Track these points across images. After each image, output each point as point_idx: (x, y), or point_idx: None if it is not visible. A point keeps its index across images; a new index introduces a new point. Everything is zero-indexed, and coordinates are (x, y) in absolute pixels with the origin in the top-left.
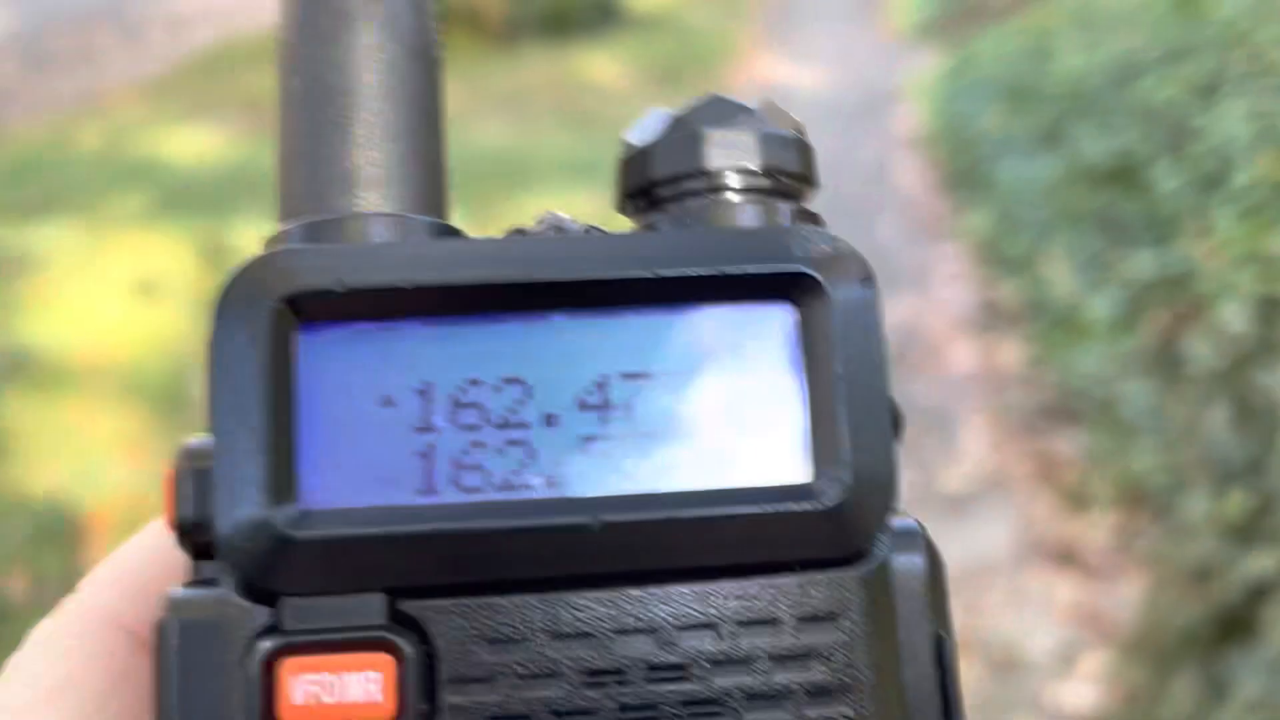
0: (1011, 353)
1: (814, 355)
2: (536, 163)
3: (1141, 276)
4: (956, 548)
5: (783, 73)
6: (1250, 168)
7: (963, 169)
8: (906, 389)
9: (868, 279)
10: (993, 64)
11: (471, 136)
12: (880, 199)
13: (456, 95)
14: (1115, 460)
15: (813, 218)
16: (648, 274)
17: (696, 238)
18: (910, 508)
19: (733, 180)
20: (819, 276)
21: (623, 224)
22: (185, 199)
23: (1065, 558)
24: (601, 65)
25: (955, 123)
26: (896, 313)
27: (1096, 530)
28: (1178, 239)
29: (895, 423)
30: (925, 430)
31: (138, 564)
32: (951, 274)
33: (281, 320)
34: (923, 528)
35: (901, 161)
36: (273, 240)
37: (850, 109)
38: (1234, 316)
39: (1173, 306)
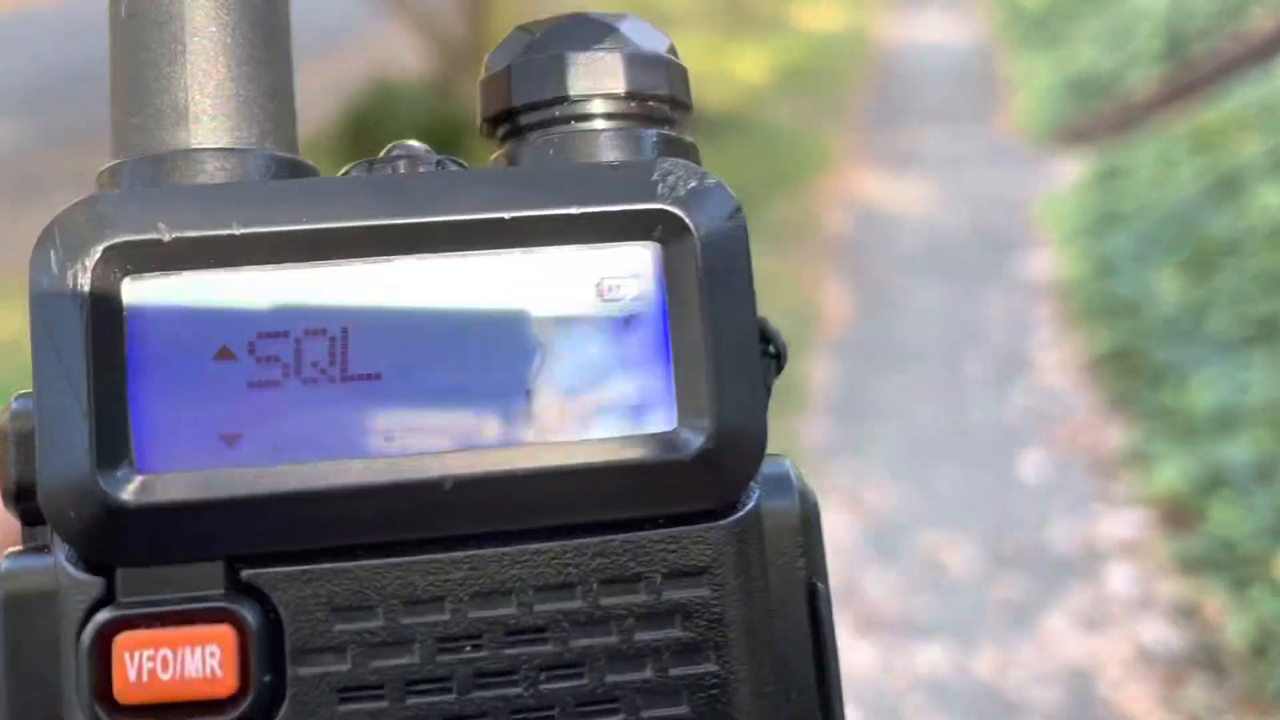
0: None
1: (678, 296)
2: None
3: None
4: None
5: (885, 192)
6: None
7: (1129, 353)
8: None
9: (735, 212)
10: (1154, 189)
11: None
12: (1016, 406)
13: None
14: None
15: (684, 146)
16: (500, 215)
17: (554, 176)
18: None
19: (597, 106)
20: (681, 214)
21: (487, 148)
22: None
23: None
24: None
25: (1109, 271)
26: (1051, 654)
27: None
28: None
29: (778, 355)
30: None
31: None
32: (1133, 577)
33: (106, 272)
34: (796, 470)
35: (1039, 332)
36: (102, 176)
37: (967, 243)
38: None
39: None
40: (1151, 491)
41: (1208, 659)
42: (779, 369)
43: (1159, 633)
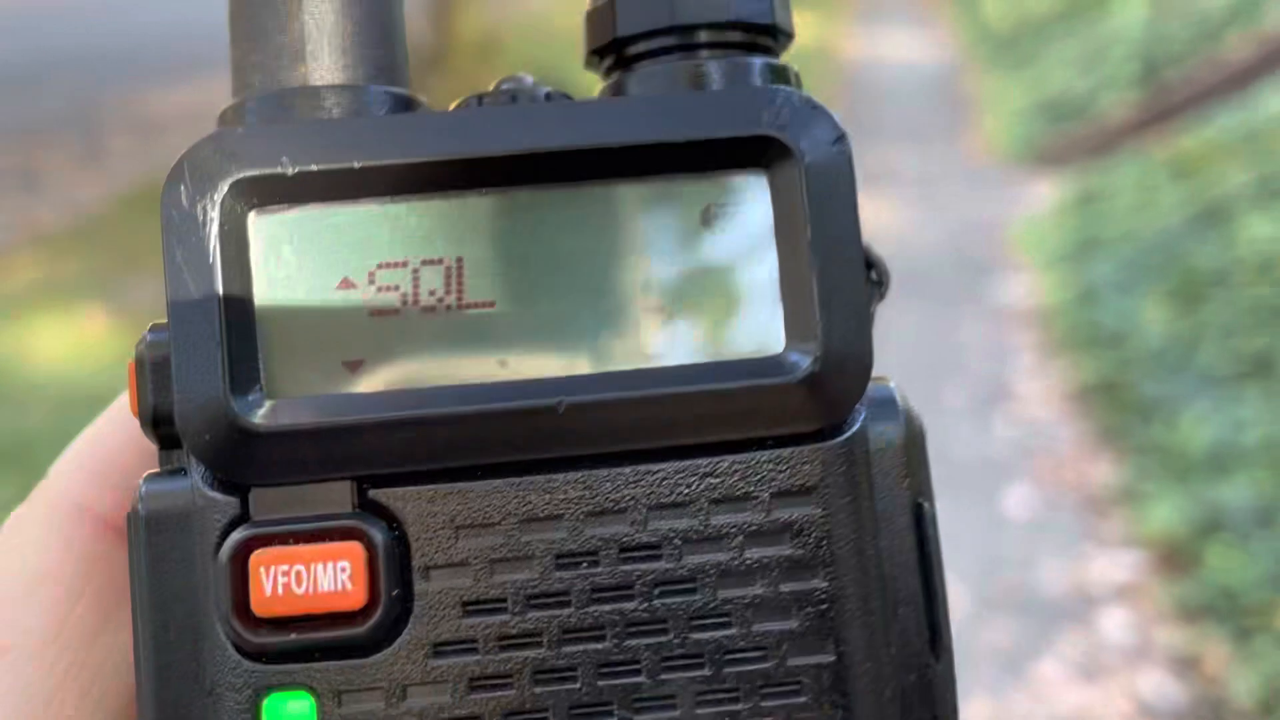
0: None
1: (785, 223)
2: None
3: None
4: None
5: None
6: None
7: (1115, 385)
8: None
9: (840, 139)
10: (1136, 215)
11: None
12: (999, 438)
13: None
14: None
15: (787, 73)
16: (610, 143)
17: (661, 103)
18: None
19: (702, 35)
20: (787, 141)
21: (593, 82)
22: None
23: None
24: None
25: (1092, 299)
26: (1046, 706)
27: None
28: None
29: (880, 282)
30: None
31: (105, 448)
32: (1129, 624)
33: (233, 205)
34: (901, 393)
35: (1020, 361)
36: (225, 115)
37: (942, 267)
38: None
39: None
40: (1145, 532)
41: (1212, 715)
42: (882, 295)
43: (1159, 685)
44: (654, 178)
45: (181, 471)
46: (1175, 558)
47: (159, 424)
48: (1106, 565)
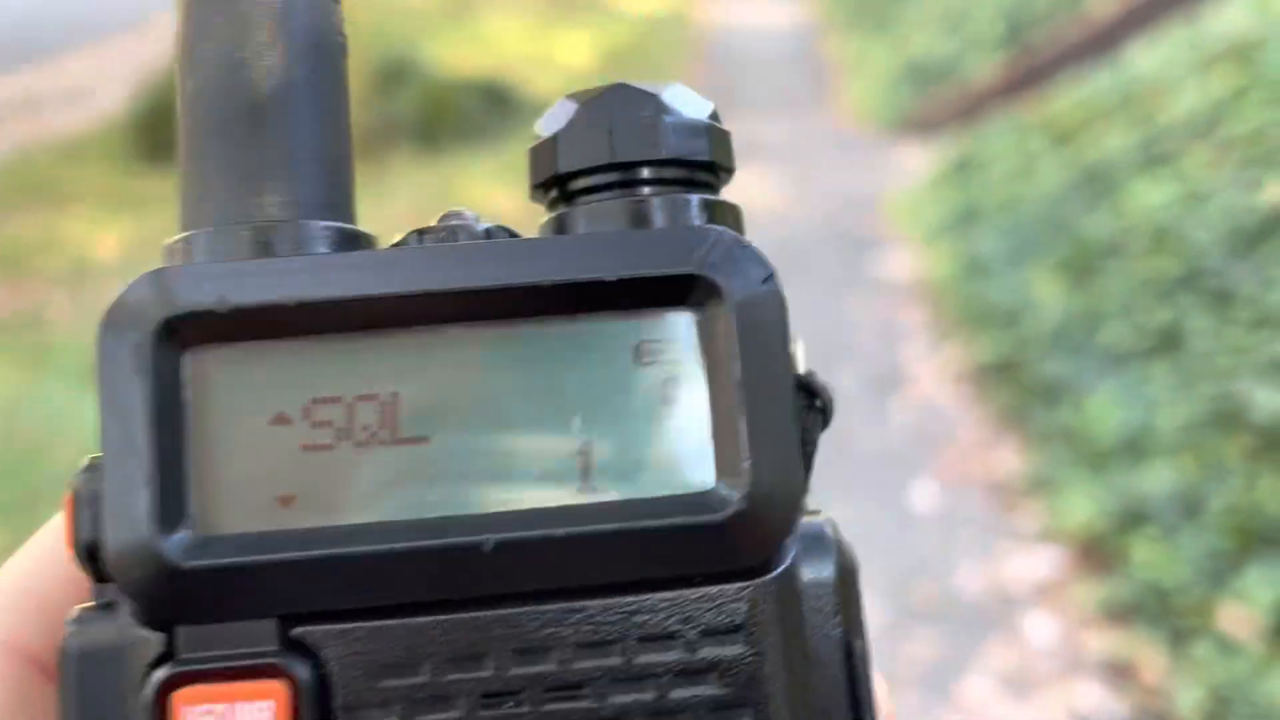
0: None
1: (714, 360)
2: None
3: None
4: None
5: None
6: None
7: (1013, 365)
8: None
9: (769, 278)
10: (1016, 183)
11: None
12: (897, 426)
13: None
14: None
15: (725, 208)
16: (542, 281)
17: (593, 241)
18: None
19: (642, 173)
20: (715, 279)
21: (538, 214)
22: None
23: None
24: (485, 187)
25: (979, 273)
26: None
27: None
28: None
29: (824, 410)
30: None
31: (35, 581)
32: (1056, 629)
33: (166, 341)
34: (834, 529)
35: (912, 341)
36: (170, 248)
37: (821, 242)
38: None
39: None
40: (1062, 526)
41: None
42: (826, 423)
43: (1095, 697)
44: (586, 316)
45: (111, 606)
46: (1096, 553)
47: (93, 557)
48: (1024, 563)
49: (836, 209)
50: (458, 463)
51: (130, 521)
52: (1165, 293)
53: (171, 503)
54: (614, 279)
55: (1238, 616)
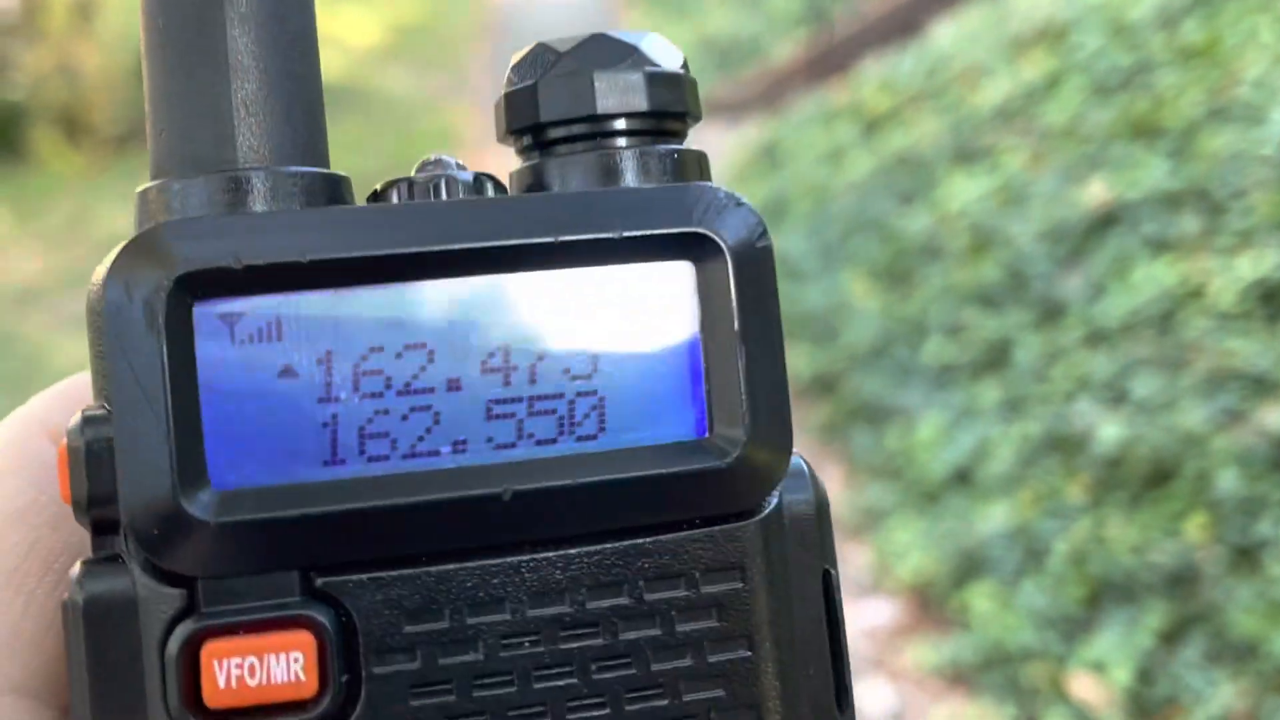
0: None
1: (711, 312)
2: None
3: None
4: None
5: None
6: None
7: (831, 380)
8: None
9: (762, 234)
10: (822, 172)
11: None
12: None
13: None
14: None
15: (695, 157)
16: (549, 239)
17: (598, 200)
18: None
19: (621, 124)
20: (715, 236)
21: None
22: None
23: None
24: None
25: (789, 276)
26: None
27: None
28: None
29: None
30: None
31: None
32: (895, 698)
33: (178, 298)
34: (807, 464)
35: None
36: (147, 194)
37: None
38: None
39: None
40: (894, 572)
41: None
42: None
43: None
44: (590, 268)
45: (117, 559)
46: (934, 607)
47: (93, 508)
48: (856, 616)
49: None
50: (471, 413)
51: (150, 478)
52: (990, 301)
53: (189, 459)
54: (621, 236)
55: (1091, 684)
